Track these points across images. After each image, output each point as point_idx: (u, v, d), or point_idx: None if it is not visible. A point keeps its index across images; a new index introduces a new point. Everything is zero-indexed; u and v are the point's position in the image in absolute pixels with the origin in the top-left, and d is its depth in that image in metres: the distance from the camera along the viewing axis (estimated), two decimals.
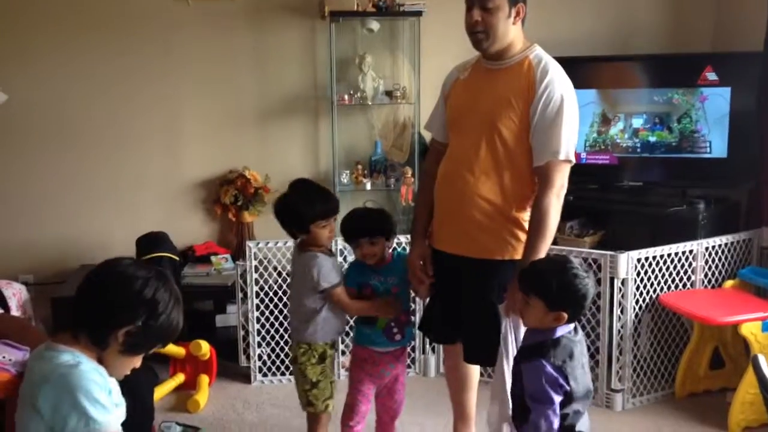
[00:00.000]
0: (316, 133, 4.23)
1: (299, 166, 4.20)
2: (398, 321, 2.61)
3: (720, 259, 3.49)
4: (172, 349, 3.43)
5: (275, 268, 3.60)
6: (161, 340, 1.74)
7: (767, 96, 3.56)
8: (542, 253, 2.31)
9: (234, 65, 4.14)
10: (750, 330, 3.03)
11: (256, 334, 3.57)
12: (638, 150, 3.83)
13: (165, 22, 4.04)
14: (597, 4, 4.23)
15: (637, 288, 3.27)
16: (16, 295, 3.39)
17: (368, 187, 4.13)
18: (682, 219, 3.55)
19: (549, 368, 2.02)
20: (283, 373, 3.61)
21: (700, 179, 3.77)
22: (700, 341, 3.40)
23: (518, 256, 2.41)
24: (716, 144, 3.65)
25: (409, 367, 3.53)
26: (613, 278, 3.21)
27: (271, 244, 3.53)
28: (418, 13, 3.98)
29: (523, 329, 2.25)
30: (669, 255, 3.34)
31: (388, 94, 4.11)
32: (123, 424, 1.68)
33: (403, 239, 3.41)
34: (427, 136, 2.94)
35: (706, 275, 3.46)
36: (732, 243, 3.53)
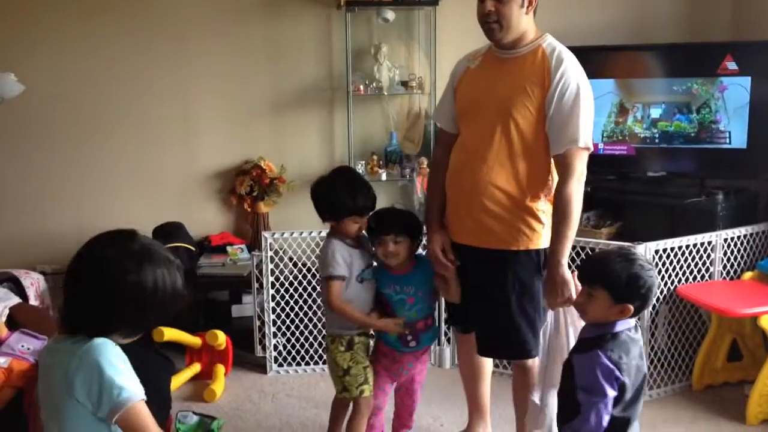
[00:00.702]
0: (332, 123, 4.22)
1: (314, 156, 4.20)
2: (414, 329, 2.56)
3: (739, 251, 3.46)
4: (188, 338, 3.46)
5: (291, 259, 3.61)
6: (166, 315, 1.67)
7: None
8: (570, 240, 2.30)
9: (249, 56, 4.14)
10: None
11: (271, 324, 3.58)
12: (656, 140, 3.79)
13: (181, 14, 4.05)
14: None
15: None
16: (34, 284, 3.42)
17: (383, 177, 4.10)
18: (701, 210, 3.52)
19: (605, 359, 1.91)
20: (298, 364, 3.63)
21: (719, 170, 3.72)
22: (718, 333, 3.37)
23: (533, 246, 2.41)
24: (736, 134, 3.60)
25: None
26: None
27: (286, 234, 3.54)
28: (434, 3, 3.95)
29: (579, 325, 2.17)
30: (687, 246, 3.31)
31: (404, 84, 4.08)
32: None
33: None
34: None
35: (724, 267, 3.43)
36: (751, 234, 3.49)
